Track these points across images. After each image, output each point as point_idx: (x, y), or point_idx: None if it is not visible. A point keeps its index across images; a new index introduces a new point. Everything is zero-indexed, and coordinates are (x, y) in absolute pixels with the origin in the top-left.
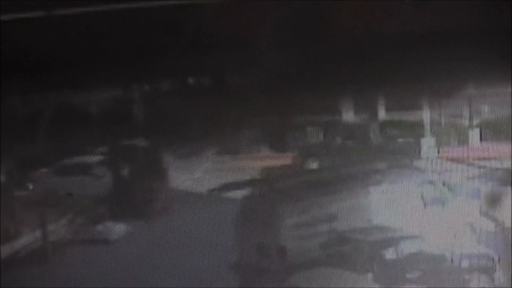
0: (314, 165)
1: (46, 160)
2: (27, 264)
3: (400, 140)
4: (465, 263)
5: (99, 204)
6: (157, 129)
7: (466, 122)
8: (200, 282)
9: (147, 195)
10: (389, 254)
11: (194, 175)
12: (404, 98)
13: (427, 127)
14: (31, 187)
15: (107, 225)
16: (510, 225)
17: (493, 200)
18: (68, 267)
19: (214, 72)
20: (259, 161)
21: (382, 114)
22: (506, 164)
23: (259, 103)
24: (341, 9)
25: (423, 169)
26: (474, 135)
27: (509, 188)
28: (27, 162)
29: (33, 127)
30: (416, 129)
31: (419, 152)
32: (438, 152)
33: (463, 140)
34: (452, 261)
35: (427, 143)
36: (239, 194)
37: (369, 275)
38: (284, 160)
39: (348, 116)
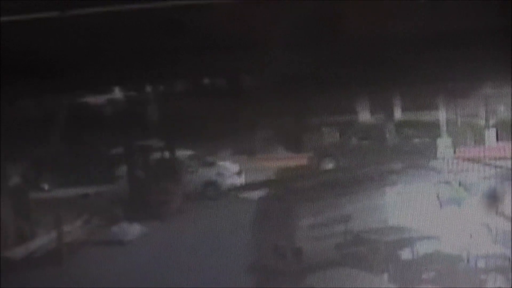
0: (329, 165)
1: (61, 161)
2: (42, 264)
3: (416, 140)
4: (481, 263)
5: (114, 205)
6: (172, 130)
7: (482, 122)
8: (215, 283)
9: (162, 196)
10: (405, 254)
11: (209, 176)
12: (420, 99)
13: (443, 127)
14: (46, 188)
15: (122, 226)
16: None
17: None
18: (83, 268)
19: (229, 73)
20: (274, 162)
21: (398, 114)
22: None
23: (274, 104)
24: (356, 11)
25: (439, 169)
26: (490, 135)
27: None
28: (42, 163)
29: (47, 129)
30: (432, 129)
31: (435, 152)
32: (454, 152)
33: (479, 140)
34: (468, 261)
35: (443, 143)
36: (255, 195)
37: (385, 276)
38: (299, 160)
39: (364, 116)
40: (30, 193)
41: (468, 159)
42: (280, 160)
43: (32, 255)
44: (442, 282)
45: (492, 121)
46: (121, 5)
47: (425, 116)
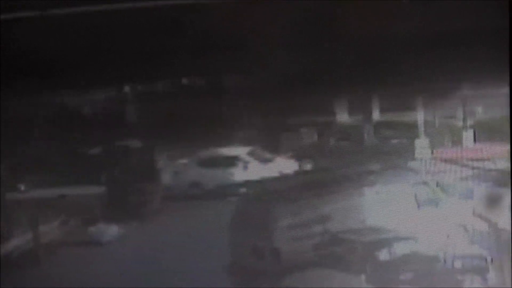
0: (308, 166)
1: (38, 161)
2: (19, 265)
3: (394, 141)
4: (458, 264)
5: (92, 206)
6: (151, 130)
7: (460, 123)
8: (194, 284)
9: (141, 196)
10: (383, 255)
11: (189, 176)
12: (398, 99)
13: (421, 128)
14: (23, 188)
15: (100, 227)
16: (503, 226)
17: (490, 202)
18: (61, 269)
19: (208, 73)
20: (253, 163)
21: (376, 115)
22: (500, 165)
23: (253, 104)
24: (336, 11)
25: (417, 170)
26: (468, 136)
27: (503, 189)
28: (19, 163)
29: (25, 128)
30: (410, 130)
31: (413, 153)
32: (432, 153)
33: (457, 141)
34: (445, 262)
35: (421, 144)
36: (233, 195)
37: (363, 276)
38: (278, 161)
39: (343, 117)
40: (6, 193)
41: (446, 160)
42: (259, 160)
43: (8, 255)
44: (419, 282)
45: (470, 122)
46: (100, 5)
47: (403, 117)
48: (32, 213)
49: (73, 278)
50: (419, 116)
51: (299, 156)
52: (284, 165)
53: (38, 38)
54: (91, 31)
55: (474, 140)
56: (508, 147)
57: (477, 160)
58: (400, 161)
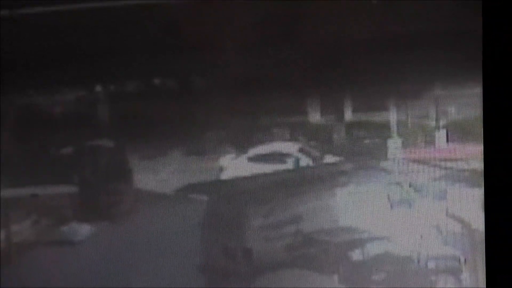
0: (279, 166)
1: (10, 161)
2: None
3: (367, 141)
4: (431, 264)
5: (64, 206)
6: (122, 130)
7: (433, 123)
8: (166, 283)
9: (112, 196)
10: (355, 255)
11: (160, 176)
12: (370, 100)
13: (394, 128)
14: None
15: (72, 226)
16: (476, 227)
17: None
18: (33, 268)
19: (179, 73)
20: (224, 163)
21: (348, 115)
22: (473, 165)
23: (224, 105)
24: (308, 11)
25: (390, 170)
26: (441, 136)
27: (476, 190)
28: None
29: None
30: (382, 130)
31: (386, 153)
32: (405, 153)
33: (430, 141)
34: (418, 262)
35: (394, 144)
36: (204, 195)
37: (335, 277)
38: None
39: (315, 117)
40: None
41: (419, 161)
42: (230, 161)
43: None
44: (392, 283)
45: (442, 122)
46: (70, 5)
47: (376, 117)
48: (3, 212)
49: (46, 277)
50: (392, 116)
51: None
52: (255, 166)
53: (6, 38)
54: (61, 31)
55: (447, 140)
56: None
57: (450, 160)
58: (372, 161)
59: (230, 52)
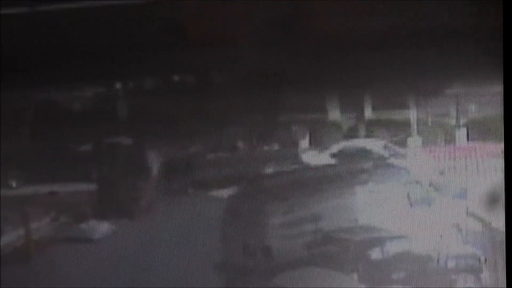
0: (300, 164)
1: (29, 158)
2: (9, 262)
3: (387, 139)
4: (451, 264)
5: (82, 203)
6: (141, 127)
7: (453, 121)
8: (184, 281)
9: (131, 193)
10: (375, 254)
11: (178, 173)
12: (391, 97)
13: (414, 126)
14: (14, 185)
15: (91, 224)
16: (497, 226)
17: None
18: (51, 266)
19: (198, 70)
20: (243, 161)
21: (368, 113)
22: (493, 164)
23: (244, 101)
24: (328, 8)
25: (410, 168)
26: (461, 134)
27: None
28: (10, 160)
29: (15, 125)
30: (402, 128)
31: (406, 152)
32: (425, 151)
33: (450, 139)
34: (438, 261)
35: (414, 142)
36: (224, 193)
37: (355, 275)
38: (269, 159)
39: (334, 115)
40: None
41: (439, 159)
42: (249, 159)
43: None
44: (412, 282)
45: (462, 121)
46: (89, 2)
47: (396, 115)
48: (23, 209)
49: (64, 274)
50: (412, 114)
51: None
52: (275, 163)
53: (27, 35)
54: (81, 28)
55: (468, 139)
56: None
57: (471, 158)
58: (392, 159)
59: (248, 48)
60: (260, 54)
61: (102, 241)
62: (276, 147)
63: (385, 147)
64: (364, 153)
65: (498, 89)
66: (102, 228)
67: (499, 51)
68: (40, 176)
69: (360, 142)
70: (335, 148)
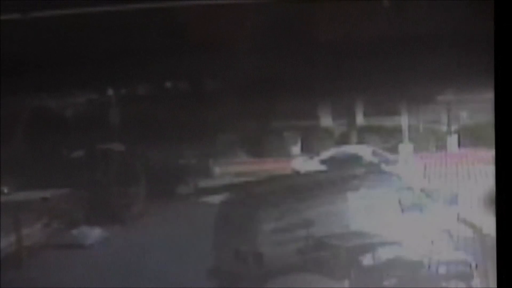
0: (291, 170)
1: (21, 163)
2: (1, 268)
3: (378, 145)
4: (442, 270)
5: (74, 209)
6: (134, 133)
7: (444, 128)
8: (177, 287)
9: (124, 199)
10: (366, 260)
11: (171, 179)
12: (382, 104)
13: (406, 132)
14: (6, 191)
15: (83, 229)
16: (487, 232)
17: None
18: (43, 272)
19: (191, 76)
20: (236, 166)
21: (360, 119)
22: (484, 170)
23: (236, 108)
24: (319, 14)
25: (401, 175)
26: (452, 141)
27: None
28: (2, 166)
29: (8, 131)
30: (394, 134)
31: (397, 158)
32: (416, 158)
33: (441, 146)
34: (429, 267)
35: (405, 148)
36: (216, 199)
37: (346, 281)
38: (261, 165)
39: (326, 121)
40: None
41: (430, 165)
42: (242, 164)
43: None
44: None
45: (454, 127)
46: (84, 9)
47: (387, 122)
48: (15, 215)
49: (56, 280)
50: (403, 120)
51: (281, 160)
52: (266, 169)
53: (20, 41)
54: (73, 34)
55: (459, 145)
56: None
57: (462, 165)
58: (383, 165)
59: (242, 55)
60: (253, 60)
61: (94, 247)
62: (268, 153)
63: (376, 153)
64: (355, 160)
65: (489, 95)
66: (94, 234)
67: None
68: (33, 182)
69: (352, 149)
70: (326, 154)
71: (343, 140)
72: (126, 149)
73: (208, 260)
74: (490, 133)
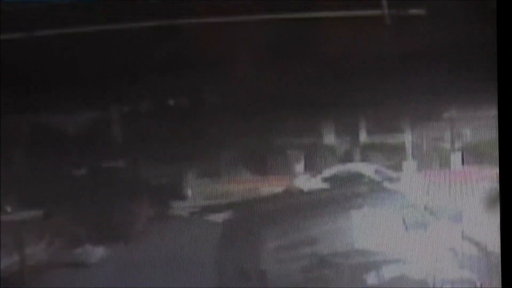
0: (295, 188)
1: (25, 182)
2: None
3: (381, 163)
4: None
5: (77, 227)
6: (136, 150)
7: (448, 146)
8: None
9: (126, 217)
10: (370, 278)
11: (174, 197)
12: (385, 122)
13: (409, 150)
14: (9, 210)
15: (86, 248)
16: (492, 249)
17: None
18: None
19: (193, 93)
20: (239, 184)
21: (363, 137)
22: (488, 188)
23: (239, 125)
24: (321, 31)
25: (405, 192)
26: (456, 158)
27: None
28: (4, 184)
29: (9, 149)
30: (397, 152)
31: (400, 176)
32: (420, 175)
33: (445, 163)
34: (434, 285)
35: (409, 166)
36: (219, 217)
37: None
38: (264, 183)
39: (330, 138)
40: None
41: (434, 183)
42: (245, 182)
43: None
44: None
45: (458, 145)
46: (85, 27)
47: (391, 139)
48: (18, 234)
49: None
50: (407, 138)
51: (285, 178)
52: (270, 187)
53: (22, 59)
54: (74, 52)
55: (462, 163)
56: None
57: (466, 182)
58: (387, 183)
59: (244, 72)
60: (256, 78)
61: (97, 265)
62: (271, 170)
63: (379, 171)
64: (359, 177)
65: (492, 113)
66: (97, 252)
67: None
68: (35, 201)
69: (355, 166)
70: (330, 172)
71: (346, 158)
72: (128, 166)
73: (211, 278)
74: (494, 151)
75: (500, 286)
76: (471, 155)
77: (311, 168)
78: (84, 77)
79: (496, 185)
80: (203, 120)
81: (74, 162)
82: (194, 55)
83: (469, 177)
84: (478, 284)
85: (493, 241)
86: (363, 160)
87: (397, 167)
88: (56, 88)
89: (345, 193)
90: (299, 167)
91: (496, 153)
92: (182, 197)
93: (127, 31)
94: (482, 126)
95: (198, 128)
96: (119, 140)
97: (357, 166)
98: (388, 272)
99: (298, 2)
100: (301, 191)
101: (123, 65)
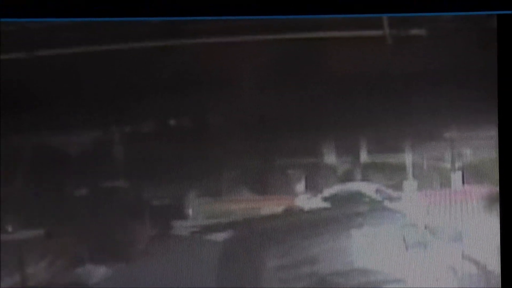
0: (296, 207)
1: (26, 202)
2: None
3: (382, 182)
4: None
5: (79, 246)
6: (137, 170)
7: (448, 165)
8: None
9: (128, 237)
10: None
11: (176, 217)
12: (386, 141)
13: (409, 169)
14: (10, 229)
15: (87, 268)
16: (492, 268)
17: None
18: None
19: (195, 113)
20: (240, 203)
21: (364, 157)
22: (489, 207)
23: (240, 145)
24: (322, 52)
25: (405, 212)
26: (456, 178)
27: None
28: (6, 204)
29: (10, 169)
30: (398, 172)
31: (401, 195)
32: (420, 195)
33: (445, 183)
34: None
35: (409, 185)
36: (220, 237)
37: None
38: (265, 202)
39: (330, 159)
40: None
41: (434, 202)
42: (246, 202)
43: None
44: None
45: (458, 164)
46: (86, 46)
47: (391, 159)
48: (19, 254)
49: None
50: (407, 158)
51: (285, 198)
52: (270, 206)
53: (23, 79)
54: (76, 72)
55: (463, 182)
56: (497, 189)
57: (466, 202)
58: (388, 203)
59: (245, 92)
60: (257, 98)
61: (98, 285)
62: (272, 190)
63: (380, 190)
64: (359, 197)
65: (492, 132)
66: (98, 272)
67: (494, 95)
68: (37, 221)
69: (356, 186)
70: (330, 192)
71: (347, 177)
72: (130, 186)
73: None
74: (494, 170)
75: None
76: (471, 174)
77: (312, 187)
78: (86, 97)
79: (496, 204)
80: (205, 140)
81: (75, 181)
82: (197, 75)
83: (469, 196)
84: None
85: (493, 260)
86: (363, 179)
87: (398, 187)
88: (57, 108)
89: (346, 212)
90: (300, 186)
91: (496, 172)
92: (183, 216)
93: (129, 51)
94: (482, 146)
95: (200, 148)
96: (121, 160)
97: (358, 186)
98: None
99: (300, 22)
100: (301, 211)
101: (125, 85)
